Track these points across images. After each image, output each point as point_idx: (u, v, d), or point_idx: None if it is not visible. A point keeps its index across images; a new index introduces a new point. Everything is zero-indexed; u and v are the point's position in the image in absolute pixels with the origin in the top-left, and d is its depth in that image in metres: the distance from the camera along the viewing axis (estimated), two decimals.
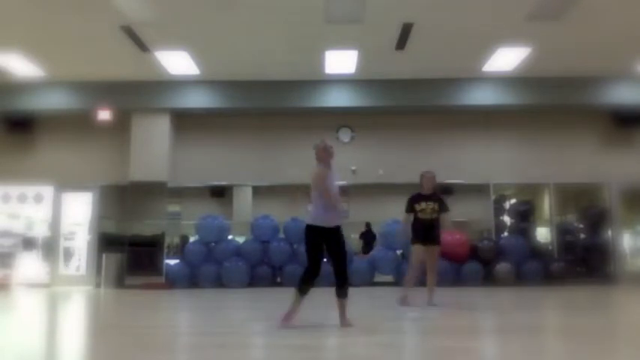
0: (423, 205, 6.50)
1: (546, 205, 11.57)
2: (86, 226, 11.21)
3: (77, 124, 11.44)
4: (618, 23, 8.59)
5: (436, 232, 6.52)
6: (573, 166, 11.37)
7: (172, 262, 10.69)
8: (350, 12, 8.05)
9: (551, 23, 8.52)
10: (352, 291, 7.50)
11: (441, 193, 6.71)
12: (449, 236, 10.49)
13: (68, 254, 11.22)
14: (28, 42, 9.15)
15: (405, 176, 10.73)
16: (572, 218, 11.92)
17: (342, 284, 4.79)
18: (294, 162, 11.62)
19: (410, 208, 6.58)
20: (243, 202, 11.81)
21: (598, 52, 9.79)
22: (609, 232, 11.29)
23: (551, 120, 11.68)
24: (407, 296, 6.51)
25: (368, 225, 11.60)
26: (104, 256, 10.58)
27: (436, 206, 6.50)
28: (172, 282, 10.26)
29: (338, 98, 11.25)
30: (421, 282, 6.94)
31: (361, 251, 11.16)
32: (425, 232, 6.46)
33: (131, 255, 10.74)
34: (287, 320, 4.72)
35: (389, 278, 10.41)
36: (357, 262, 10.46)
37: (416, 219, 6.53)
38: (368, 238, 11.51)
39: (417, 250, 6.51)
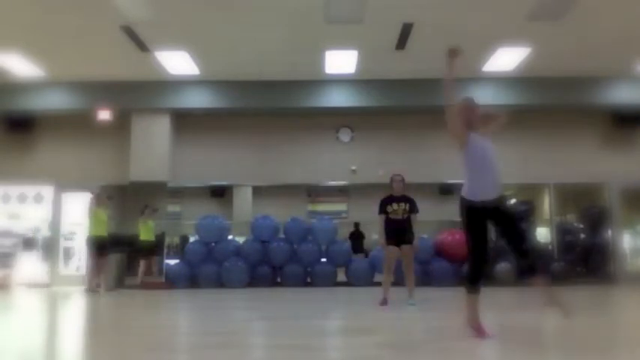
0: (395, 206, 6.75)
1: (546, 205, 11.57)
2: (86, 226, 11.20)
3: (77, 124, 11.44)
4: (618, 23, 8.60)
5: (409, 232, 6.74)
6: (573, 166, 11.36)
7: (172, 262, 10.69)
8: (350, 12, 8.05)
9: (551, 23, 8.52)
10: (353, 290, 7.47)
11: (410, 195, 6.90)
12: (449, 236, 10.54)
13: (68, 254, 11.22)
14: (28, 42, 9.15)
15: (405, 176, 10.71)
16: (572, 218, 11.92)
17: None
18: (294, 162, 11.63)
19: (382, 210, 6.80)
20: (243, 202, 11.81)
21: (598, 52, 9.79)
22: (609, 232, 11.29)
23: (551, 120, 11.68)
24: (386, 298, 6.70)
25: (357, 225, 11.59)
26: None
27: (407, 207, 6.76)
28: (172, 282, 10.25)
29: (338, 98, 11.25)
30: (398, 282, 7.09)
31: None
32: (398, 232, 6.69)
33: (131, 255, 10.75)
34: (478, 331, 4.03)
35: (381, 278, 10.41)
36: (357, 262, 10.47)
37: (388, 220, 6.75)
38: (356, 238, 11.50)
39: (391, 251, 6.75)
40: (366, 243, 11.62)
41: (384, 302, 6.64)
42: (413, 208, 6.79)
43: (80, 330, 4.98)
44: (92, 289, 9.28)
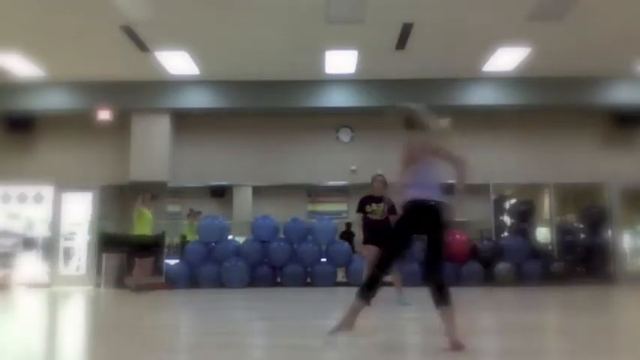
0: (374, 206, 6.77)
1: (546, 205, 11.57)
2: (86, 226, 11.21)
3: (77, 124, 11.43)
4: (618, 23, 8.59)
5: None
6: (573, 166, 11.36)
7: (172, 262, 10.69)
8: (350, 12, 8.05)
9: (551, 23, 8.52)
10: (353, 290, 7.44)
11: (389, 197, 6.88)
12: (449, 236, 10.54)
13: (68, 254, 11.22)
14: (28, 42, 9.15)
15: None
16: (572, 218, 11.92)
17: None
18: (294, 162, 11.62)
19: (360, 209, 6.80)
20: (243, 202, 11.80)
21: (598, 52, 9.78)
22: (609, 232, 11.29)
23: (551, 120, 11.67)
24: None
25: (348, 225, 11.56)
26: (104, 256, 10.57)
27: (385, 208, 6.73)
28: (172, 282, 10.25)
29: (338, 98, 11.25)
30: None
31: None
32: (376, 232, 6.64)
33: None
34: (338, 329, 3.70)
35: (388, 278, 10.41)
36: (357, 262, 10.46)
37: (367, 220, 6.74)
38: (347, 238, 11.47)
39: (371, 250, 6.67)
40: (356, 242, 11.59)
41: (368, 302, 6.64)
42: (392, 210, 6.76)
43: (80, 330, 4.98)
44: (137, 289, 9.14)
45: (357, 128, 11.78)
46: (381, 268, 3.68)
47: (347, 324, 3.62)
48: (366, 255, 6.83)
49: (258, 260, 10.26)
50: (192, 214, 11.15)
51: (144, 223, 9.43)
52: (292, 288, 9.81)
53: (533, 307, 6.57)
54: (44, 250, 11.20)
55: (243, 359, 3.42)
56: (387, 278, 7.01)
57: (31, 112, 11.36)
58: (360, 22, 8.39)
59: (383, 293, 6.73)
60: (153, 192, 9.92)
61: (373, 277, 3.67)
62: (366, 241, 6.74)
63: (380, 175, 6.95)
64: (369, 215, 6.74)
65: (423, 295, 7.42)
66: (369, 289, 3.65)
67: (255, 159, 11.61)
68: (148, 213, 9.50)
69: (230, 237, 10.82)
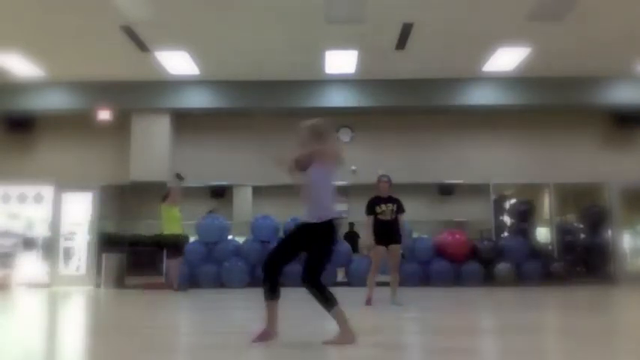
0: (383, 207, 6.80)
1: (546, 205, 11.57)
2: (86, 226, 11.21)
3: (77, 124, 11.44)
4: (618, 23, 8.60)
5: (397, 232, 6.79)
6: (573, 166, 11.36)
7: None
8: (350, 12, 8.05)
9: (551, 23, 8.52)
10: (353, 291, 7.44)
11: (396, 196, 6.93)
12: (449, 236, 10.55)
13: (68, 254, 11.21)
14: (28, 42, 9.15)
15: (405, 176, 10.72)
16: (572, 218, 11.92)
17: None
18: None
19: (370, 211, 6.81)
20: (243, 202, 11.80)
21: (598, 52, 9.79)
22: (609, 232, 11.29)
23: (551, 120, 11.67)
24: (371, 297, 6.70)
25: (351, 225, 11.54)
26: (104, 256, 10.57)
27: (394, 207, 6.80)
28: (172, 282, 10.23)
29: (338, 98, 11.25)
30: (401, 282, 7.15)
31: None
32: (386, 232, 6.73)
33: (131, 255, 10.75)
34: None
35: (389, 278, 10.41)
36: (357, 262, 10.46)
37: (377, 221, 6.78)
38: (351, 238, 11.45)
39: (379, 251, 6.78)
40: (360, 243, 11.59)
41: (369, 302, 6.66)
42: (400, 209, 6.82)
43: (80, 330, 4.98)
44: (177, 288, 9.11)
45: (357, 128, 11.79)
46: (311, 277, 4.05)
47: (349, 335, 3.63)
48: (373, 256, 6.86)
49: (258, 260, 10.25)
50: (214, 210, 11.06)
51: (172, 221, 9.31)
52: (292, 288, 9.80)
53: (533, 307, 6.57)
54: (44, 250, 11.20)
55: (243, 359, 3.41)
56: (386, 279, 7.08)
57: (31, 112, 11.37)
58: (360, 22, 8.39)
59: (379, 294, 6.76)
60: (178, 174, 9.76)
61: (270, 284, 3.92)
62: (375, 242, 6.76)
63: (384, 176, 7.00)
64: (379, 216, 6.77)
65: (420, 295, 7.43)
66: (274, 290, 3.89)
67: (255, 159, 11.60)
68: (175, 211, 9.40)
69: (230, 237, 10.83)
